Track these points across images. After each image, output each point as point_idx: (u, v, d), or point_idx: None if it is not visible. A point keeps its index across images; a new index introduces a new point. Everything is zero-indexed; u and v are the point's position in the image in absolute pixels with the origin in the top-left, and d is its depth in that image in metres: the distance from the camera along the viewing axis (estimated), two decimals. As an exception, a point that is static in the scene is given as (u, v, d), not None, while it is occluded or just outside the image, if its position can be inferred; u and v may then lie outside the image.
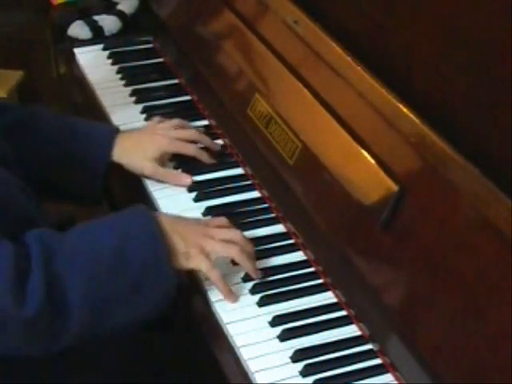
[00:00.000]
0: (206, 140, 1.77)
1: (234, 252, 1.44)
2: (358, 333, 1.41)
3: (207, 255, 1.41)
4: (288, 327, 1.40)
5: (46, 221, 1.48)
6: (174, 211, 1.61)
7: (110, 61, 2.11)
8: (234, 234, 1.47)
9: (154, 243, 1.35)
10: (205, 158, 1.74)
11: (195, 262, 1.40)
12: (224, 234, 1.45)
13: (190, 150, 1.73)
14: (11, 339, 1.26)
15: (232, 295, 1.43)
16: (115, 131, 1.72)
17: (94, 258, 1.30)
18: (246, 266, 1.46)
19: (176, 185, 1.68)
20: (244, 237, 1.48)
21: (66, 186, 1.69)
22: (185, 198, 1.67)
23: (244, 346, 1.37)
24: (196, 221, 1.50)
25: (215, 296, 1.45)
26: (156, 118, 1.80)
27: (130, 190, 1.77)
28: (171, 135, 1.72)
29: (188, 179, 1.68)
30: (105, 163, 1.67)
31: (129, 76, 2.05)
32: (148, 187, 1.70)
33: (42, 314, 1.23)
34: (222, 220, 1.51)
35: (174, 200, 1.66)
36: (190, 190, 1.68)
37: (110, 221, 1.39)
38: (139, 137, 1.72)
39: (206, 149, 1.76)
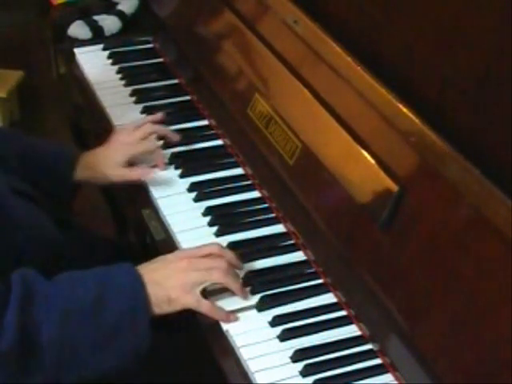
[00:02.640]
0: (161, 130, 1.78)
1: (216, 277, 1.41)
2: (358, 333, 1.41)
3: (190, 290, 1.38)
4: (288, 327, 1.40)
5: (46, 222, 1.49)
6: (174, 211, 1.62)
7: (110, 61, 2.11)
8: (217, 261, 1.43)
9: (133, 295, 1.35)
10: (159, 156, 1.74)
11: (179, 302, 1.38)
12: (207, 264, 1.42)
13: (150, 145, 1.73)
14: None
15: (230, 317, 1.41)
16: (75, 153, 1.72)
17: (72, 306, 1.31)
18: (232, 287, 1.43)
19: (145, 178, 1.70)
20: (230, 260, 1.44)
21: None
22: (185, 198, 1.67)
23: (244, 346, 1.37)
24: (178, 255, 1.45)
25: (215, 297, 1.45)
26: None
27: (131, 191, 1.76)
28: (130, 140, 1.72)
29: (162, 165, 1.71)
30: (68, 185, 1.69)
31: (129, 76, 2.05)
32: (149, 188, 1.70)
33: (13, 351, 1.25)
34: (212, 247, 1.46)
35: (173, 200, 1.66)
36: (190, 190, 1.68)
37: (95, 272, 1.37)
38: (99, 150, 1.72)
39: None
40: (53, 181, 1.67)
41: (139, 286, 1.35)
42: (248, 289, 1.45)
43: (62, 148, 1.75)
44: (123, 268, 1.38)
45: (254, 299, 1.45)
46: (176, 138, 1.79)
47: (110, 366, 1.35)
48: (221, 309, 1.41)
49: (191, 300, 1.38)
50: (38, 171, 1.67)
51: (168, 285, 1.37)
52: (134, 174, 1.70)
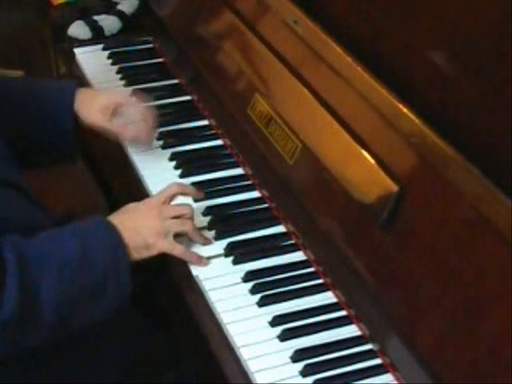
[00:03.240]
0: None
1: (187, 227, 1.52)
2: (358, 333, 1.41)
3: (165, 236, 1.49)
4: (288, 327, 1.40)
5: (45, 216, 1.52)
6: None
7: (110, 61, 2.11)
8: (185, 208, 1.55)
9: (112, 244, 1.42)
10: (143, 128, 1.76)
11: (156, 247, 1.48)
12: (176, 211, 1.53)
13: (137, 110, 1.75)
14: None
15: (202, 260, 1.52)
16: (75, 84, 1.77)
17: (61, 263, 1.36)
18: (198, 239, 1.54)
19: (123, 138, 1.76)
20: (190, 193, 1.60)
21: (40, 145, 1.72)
22: (185, 198, 1.66)
23: (244, 346, 1.37)
24: (147, 204, 1.54)
25: (215, 296, 1.45)
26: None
27: (131, 191, 1.76)
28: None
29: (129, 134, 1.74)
30: (70, 112, 1.72)
31: (129, 76, 2.05)
32: (149, 188, 1.70)
33: (15, 317, 1.29)
34: (174, 189, 1.58)
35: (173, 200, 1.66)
36: (190, 190, 1.69)
37: (71, 229, 1.43)
38: (96, 90, 1.83)
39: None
40: (56, 115, 1.71)
41: (117, 237, 1.43)
42: (212, 233, 1.57)
43: (61, 82, 1.83)
44: (97, 222, 1.45)
45: (254, 299, 1.45)
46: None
47: (99, 315, 1.41)
48: (193, 252, 1.52)
49: (166, 245, 1.49)
50: (37, 110, 1.70)
51: (144, 232, 1.47)
52: (113, 123, 1.72)
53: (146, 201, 1.56)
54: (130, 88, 1.99)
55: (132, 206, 1.53)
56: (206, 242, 1.55)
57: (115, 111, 1.73)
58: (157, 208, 1.52)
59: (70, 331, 1.40)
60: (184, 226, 1.52)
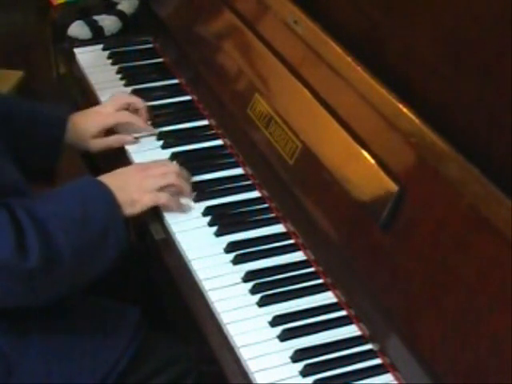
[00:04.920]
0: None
1: (171, 179, 1.60)
2: (358, 333, 1.41)
3: (150, 192, 1.57)
4: (288, 327, 1.40)
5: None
6: (174, 211, 1.62)
7: (110, 61, 2.11)
8: (168, 166, 1.64)
9: (107, 201, 1.51)
10: (138, 122, 1.83)
11: (141, 203, 1.55)
12: (160, 170, 1.61)
13: (124, 117, 1.82)
14: (16, 290, 1.39)
15: (183, 207, 1.62)
16: (66, 114, 1.81)
17: (65, 221, 1.44)
18: (184, 187, 1.63)
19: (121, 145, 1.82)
20: (178, 166, 1.66)
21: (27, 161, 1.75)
22: (185, 198, 1.66)
23: (244, 346, 1.37)
24: (134, 167, 1.66)
25: (215, 296, 1.45)
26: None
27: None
28: (109, 110, 1.83)
29: (129, 137, 1.82)
30: (58, 143, 1.78)
31: (129, 76, 2.05)
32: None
33: (42, 264, 1.37)
34: (163, 160, 1.71)
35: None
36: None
37: (68, 190, 1.51)
38: (82, 116, 1.83)
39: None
40: (43, 143, 1.77)
41: (110, 193, 1.51)
42: (192, 195, 1.65)
43: (53, 111, 1.85)
44: (90, 182, 1.54)
45: (254, 299, 1.45)
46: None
47: (104, 265, 1.48)
48: (176, 199, 1.61)
49: (151, 198, 1.57)
50: (26, 133, 1.75)
51: (130, 189, 1.55)
52: (109, 140, 1.81)
53: (136, 164, 1.71)
54: (130, 88, 2.00)
55: (121, 169, 1.62)
56: (190, 194, 1.64)
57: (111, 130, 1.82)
58: (143, 169, 1.61)
59: (83, 282, 1.48)
60: (167, 180, 1.60)
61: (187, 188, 1.64)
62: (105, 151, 1.81)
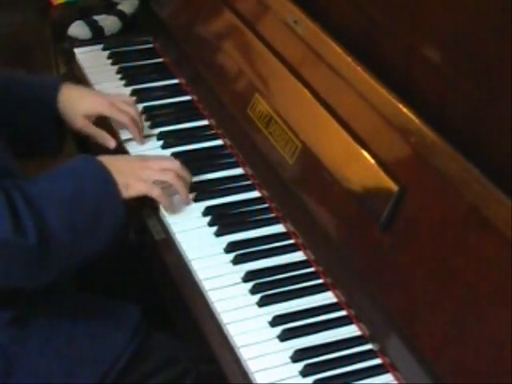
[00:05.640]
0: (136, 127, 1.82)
1: (169, 177, 1.59)
2: (358, 333, 1.41)
3: (145, 181, 1.56)
4: (288, 327, 1.40)
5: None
6: (174, 211, 1.62)
7: (110, 61, 2.11)
8: (171, 163, 1.62)
9: (103, 179, 1.51)
10: (134, 131, 1.80)
11: (134, 188, 1.54)
12: (161, 164, 1.61)
13: (124, 118, 1.79)
14: (18, 269, 1.40)
15: (172, 206, 1.61)
16: (60, 80, 1.80)
17: (59, 200, 1.45)
18: (180, 189, 1.61)
19: (101, 144, 1.79)
20: (181, 165, 1.62)
21: (26, 135, 1.76)
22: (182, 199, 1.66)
23: (244, 346, 1.37)
24: (137, 156, 1.68)
25: (215, 296, 1.45)
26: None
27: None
28: (111, 101, 1.79)
29: (112, 142, 1.78)
30: (53, 106, 1.76)
31: (129, 76, 2.05)
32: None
33: (39, 240, 1.38)
34: (166, 156, 1.69)
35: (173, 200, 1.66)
36: (190, 190, 1.68)
37: (63, 169, 1.51)
38: (81, 91, 1.82)
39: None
40: (38, 110, 1.76)
41: (107, 172, 1.51)
42: (192, 195, 1.64)
43: (46, 78, 1.86)
44: (87, 160, 1.54)
45: (254, 299, 1.45)
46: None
47: (99, 247, 1.49)
48: (168, 197, 1.60)
49: (144, 187, 1.56)
50: (21, 102, 1.75)
51: (126, 172, 1.54)
52: (96, 130, 1.78)
53: (140, 155, 1.70)
54: (130, 88, 2.00)
55: (125, 155, 1.65)
56: (187, 200, 1.62)
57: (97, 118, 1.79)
58: (145, 160, 1.61)
59: (80, 260, 1.48)
60: (165, 176, 1.59)
61: (183, 191, 1.62)
62: (104, 150, 1.80)
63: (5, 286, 1.42)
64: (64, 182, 1.48)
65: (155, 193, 1.57)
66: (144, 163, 1.59)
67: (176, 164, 1.62)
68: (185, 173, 1.63)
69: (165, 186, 1.60)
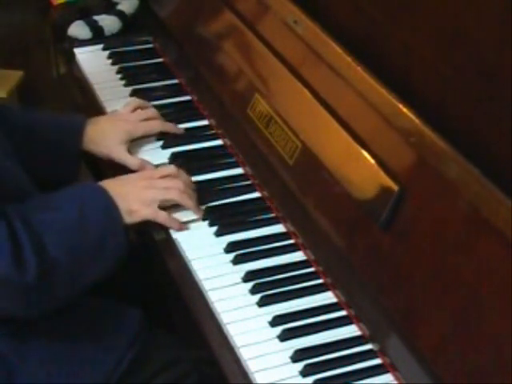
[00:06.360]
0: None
1: (173, 194, 1.57)
2: (358, 333, 1.41)
3: (149, 205, 1.54)
4: (288, 327, 1.40)
5: None
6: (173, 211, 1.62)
7: (109, 61, 2.11)
8: (174, 182, 1.58)
9: (107, 207, 1.49)
10: (172, 128, 1.81)
11: (138, 214, 1.52)
12: (165, 183, 1.58)
13: (156, 127, 1.80)
14: (15, 303, 1.39)
15: (183, 226, 1.58)
16: (84, 120, 1.78)
17: (62, 227, 1.43)
18: (188, 204, 1.58)
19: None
20: (185, 181, 1.60)
21: (46, 174, 1.74)
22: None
23: (244, 346, 1.37)
24: (139, 175, 1.62)
25: (215, 296, 1.45)
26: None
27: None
28: (132, 119, 1.79)
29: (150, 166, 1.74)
30: (76, 151, 1.75)
31: (129, 76, 2.05)
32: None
33: (40, 276, 1.36)
34: (170, 169, 1.62)
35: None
36: (190, 190, 1.68)
37: (68, 194, 1.50)
38: (107, 121, 1.80)
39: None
40: (59, 154, 1.74)
41: (110, 200, 1.49)
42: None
43: (68, 119, 1.81)
44: (91, 187, 1.52)
45: (254, 299, 1.45)
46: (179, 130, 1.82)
47: (101, 273, 1.48)
48: (175, 219, 1.57)
49: (149, 212, 1.54)
50: (44, 145, 1.73)
51: (130, 198, 1.52)
52: (132, 162, 1.74)
53: (140, 172, 1.65)
54: (130, 88, 2.00)
55: (126, 175, 1.60)
56: (198, 211, 1.60)
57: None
58: (147, 179, 1.58)
59: (81, 290, 1.47)
60: (169, 195, 1.56)
61: (191, 204, 1.59)
62: (116, 169, 1.77)
63: (3, 316, 1.43)
64: (66, 211, 1.45)
65: (161, 218, 1.56)
66: (146, 182, 1.57)
67: (179, 181, 1.59)
68: (189, 188, 1.61)
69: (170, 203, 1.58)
